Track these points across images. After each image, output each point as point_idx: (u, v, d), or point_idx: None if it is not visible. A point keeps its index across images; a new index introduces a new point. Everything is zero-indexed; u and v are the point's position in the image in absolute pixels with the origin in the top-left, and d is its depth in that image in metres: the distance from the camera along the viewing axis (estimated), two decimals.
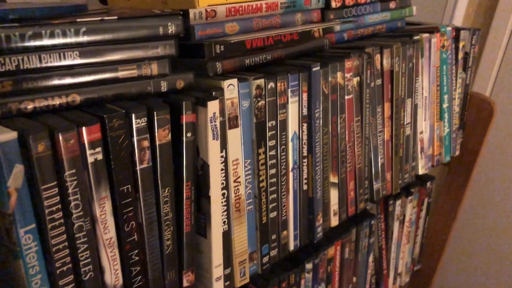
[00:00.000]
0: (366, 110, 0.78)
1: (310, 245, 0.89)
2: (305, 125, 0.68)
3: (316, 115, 0.68)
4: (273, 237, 0.67)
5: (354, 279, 0.98)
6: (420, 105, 0.90)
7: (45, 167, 0.43)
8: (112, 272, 0.50)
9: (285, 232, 0.69)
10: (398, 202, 1.04)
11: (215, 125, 0.54)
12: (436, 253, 1.22)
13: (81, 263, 0.47)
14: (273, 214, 0.66)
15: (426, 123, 0.93)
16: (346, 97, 0.73)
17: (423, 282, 1.25)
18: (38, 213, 0.43)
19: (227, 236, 0.60)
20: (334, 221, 0.77)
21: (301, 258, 0.84)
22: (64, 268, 0.46)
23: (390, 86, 0.82)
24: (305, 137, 0.68)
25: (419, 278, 1.25)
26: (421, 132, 0.92)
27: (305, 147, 0.69)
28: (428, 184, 1.12)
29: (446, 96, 0.95)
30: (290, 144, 0.66)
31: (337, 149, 0.74)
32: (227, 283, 0.62)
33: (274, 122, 0.63)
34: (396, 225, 1.06)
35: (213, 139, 0.55)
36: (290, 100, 0.64)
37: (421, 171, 0.94)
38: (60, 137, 0.43)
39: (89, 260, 0.47)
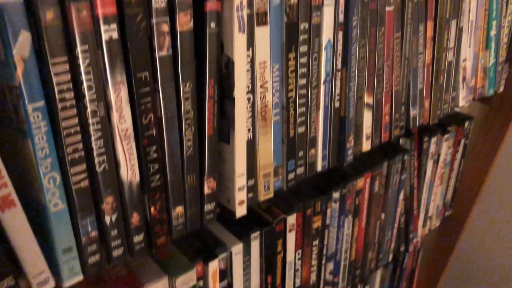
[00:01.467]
0: (408, 26, 0.71)
1: (340, 169, 0.84)
2: (340, 33, 0.62)
3: (353, 23, 0.62)
4: (300, 153, 0.63)
5: (383, 215, 0.94)
6: (466, 29, 0.83)
7: (54, 39, 0.39)
8: (128, 167, 0.46)
9: (313, 150, 0.65)
10: (434, 139, 0.98)
11: (242, 16, 0.49)
12: (469, 199, 1.17)
13: (95, 152, 0.44)
14: (301, 129, 0.62)
15: (470, 50, 0.85)
16: (387, 8, 0.67)
17: (453, 229, 1.20)
18: (48, 92, 0.40)
19: (251, 145, 0.56)
20: (366, 146, 0.72)
21: (328, 188, 0.80)
22: (76, 156, 0.42)
23: (435, 2, 0.74)
24: (340, 47, 0.63)
25: (449, 224, 1.20)
26: (464, 60, 0.85)
27: (340, 58, 0.63)
28: (466, 123, 1.05)
29: (494, 23, 0.87)
30: (323, 53, 0.61)
31: (374, 66, 0.68)
32: (250, 194, 0.58)
33: (306, 25, 0.57)
34: (429, 164, 1.00)
35: (239, 31, 0.50)
36: (325, 2, 0.58)
37: (461, 103, 0.87)
38: (72, 6, 0.39)
39: (103, 150, 0.44)
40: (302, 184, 0.81)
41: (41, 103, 0.39)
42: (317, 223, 0.79)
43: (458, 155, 1.08)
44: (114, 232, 0.48)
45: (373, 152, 0.91)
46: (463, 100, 0.87)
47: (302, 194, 0.78)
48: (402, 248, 1.04)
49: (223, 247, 0.66)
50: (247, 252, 0.70)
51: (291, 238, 0.75)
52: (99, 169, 0.44)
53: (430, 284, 1.31)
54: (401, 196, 0.96)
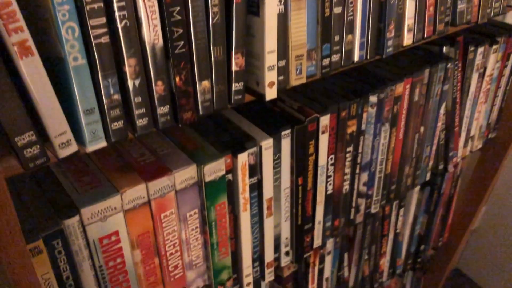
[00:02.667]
0: None
1: (378, 75, 0.80)
2: None
3: None
4: (336, 38, 0.58)
5: (422, 129, 0.89)
6: None
7: None
8: (151, 27, 0.43)
9: (350, 36, 0.60)
10: (480, 50, 0.91)
11: None
12: None
13: (115, 5, 0.41)
14: (337, 9, 0.57)
15: None
16: None
17: (497, 152, 1.14)
18: None
19: (283, 20, 0.52)
20: (408, 39, 0.67)
21: (365, 92, 0.75)
22: (95, 6, 0.40)
23: None
24: None
25: (492, 147, 1.14)
26: None
27: None
28: None
29: None
30: None
31: None
32: (281, 77, 0.55)
33: None
34: (474, 77, 0.94)
35: None
36: None
37: None
38: None
39: (123, 3, 0.41)
40: (338, 88, 0.77)
41: None
42: (352, 128, 0.76)
43: (507, 71, 1.01)
44: (137, 99, 0.46)
45: (414, 60, 0.85)
46: None
47: (338, 97, 0.74)
48: (441, 167, 0.99)
49: (253, 141, 0.64)
50: (277, 149, 0.67)
51: (323, 140, 0.72)
52: (120, 24, 0.42)
53: (468, 213, 1.27)
54: (442, 110, 0.91)
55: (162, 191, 0.57)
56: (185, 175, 0.58)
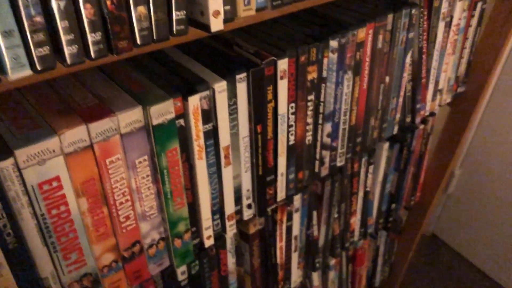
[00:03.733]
0: None
1: (339, 19, 0.77)
2: None
3: None
4: None
5: (387, 79, 0.87)
6: None
7: None
8: None
9: None
10: None
11: None
12: (484, 76, 1.08)
13: None
14: None
15: None
16: None
17: (465, 109, 1.13)
18: None
19: None
20: None
21: (326, 36, 0.73)
22: None
23: None
24: None
25: (461, 103, 1.12)
26: None
27: None
28: None
29: None
30: None
31: None
32: (227, 7, 0.51)
33: None
34: (441, 26, 0.92)
35: None
36: None
37: None
38: None
39: None
40: (297, 34, 0.74)
41: None
42: (312, 75, 0.73)
43: (474, 21, 0.99)
44: (64, 23, 0.42)
45: (377, 6, 0.83)
46: None
47: (297, 42, 0.71)
48: (408, 119, 0.98)
49: (205, 84, 0.61)
50: (233, 94, 0.64)
51: (282, 86, 0.69)
52: None
53: (440, 171, 1.26)
54: (408, 60, 0.89)
55: (105, 134, 0.54)
56: (130, 117, 0.55)
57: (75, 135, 0.52)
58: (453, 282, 1.80)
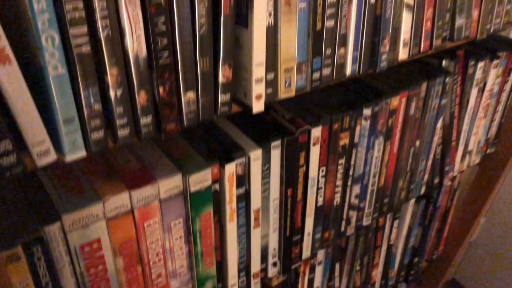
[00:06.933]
0: None
1: (374, 87, 0.79)
2: None
3: None
4: (328, 51, 0.58)
5: (418, 143, 0.88)
6: None
7: None
8: (134, 37, 0.43)
9: (342, 50, 0.59)
10: (481, 64, 0.90)
11: None
12: None
13: (97, 14, 0.40)
14: (330, 23, 0.56)
15: None
16: None
17: (495, 167, 1.12)
18: None
19: (272, 32, 0.51)
20: (403, 54, 0.66)
21: (359, 104, 0.74)
22: (76, 15, 0.39)
23: None
24: None
25: (491, 162, 1.12)
26: None
27: None
28: None
29: None
30: None
31: None
32: (269, 90, 0.54)
33: None
34: (474, 92, 0.93)
35: None
36: None
37: None
38: None
39: (106, 12, 0.40)
40: (332, 99, 0.76)
41: None
42: (344, 140, 0.75)
43: (507, 86, 0.99)
44: (119, 109, 0.45)
45: (412, 73, 0.84)
46: None
47: (331, 108, 0.73)
48: (436, 181, 0.98)
49: (241, 152, 0.63)
50: (267, 160, 0.67)
51: (315, 152, 0.71)
52: (102, 34, 0.41)
53: (465, 226, 1.25)
54: (439, 124, 0.90)
55: (146, 200, 0.57)
56: (169, 184, 0.58)
57: (118, 201, 0.55)
58: None
